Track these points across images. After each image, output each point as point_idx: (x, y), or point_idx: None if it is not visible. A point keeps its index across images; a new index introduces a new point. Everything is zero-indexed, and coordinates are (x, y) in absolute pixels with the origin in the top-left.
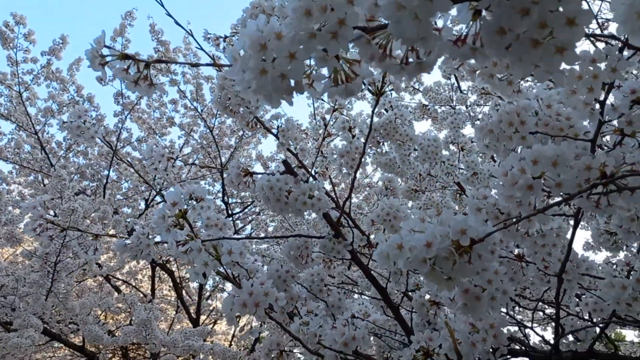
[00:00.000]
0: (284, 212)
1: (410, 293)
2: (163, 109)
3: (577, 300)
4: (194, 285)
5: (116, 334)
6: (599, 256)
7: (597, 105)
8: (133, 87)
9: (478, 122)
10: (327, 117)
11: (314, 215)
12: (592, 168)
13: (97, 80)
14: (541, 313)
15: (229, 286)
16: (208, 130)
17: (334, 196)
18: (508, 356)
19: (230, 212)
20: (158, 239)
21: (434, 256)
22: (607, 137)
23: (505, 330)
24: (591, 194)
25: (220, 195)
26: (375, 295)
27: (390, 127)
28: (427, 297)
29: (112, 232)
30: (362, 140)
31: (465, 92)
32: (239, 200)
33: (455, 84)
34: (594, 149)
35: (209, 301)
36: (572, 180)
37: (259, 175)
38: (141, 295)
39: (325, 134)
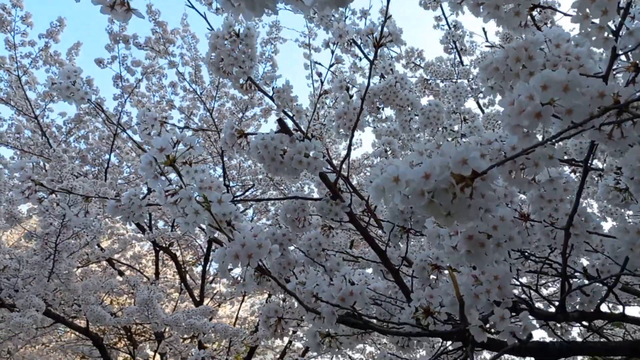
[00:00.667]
0: (279, 172)
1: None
2: (162, 92)
3: (584, 266)
4: (197, 269)
5: (119, 316)
6: (606, 225)
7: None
8: (109, 11)
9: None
10: (323, 73)
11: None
12: (605, 95)
13: (96, 63)
14: (546, 275)
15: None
16: (208, 113)
17: (330, 160)
18: (513, 313)
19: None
20: (150, 200)
21: (432, 188)
22: (620, 75)
23: (509, 284)
24: (603, 123)
25: (221, 179)
26: (374, 258)
27: (390, 91)
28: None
29: (105, 193)
30: (360, 100)
31: (467, 65)
32: (240, 184)
33: (457, 59)
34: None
35: (213, 284)
36: (584, 107)
37: (254, 137)
38: (145, 279)
39: (322, 91)
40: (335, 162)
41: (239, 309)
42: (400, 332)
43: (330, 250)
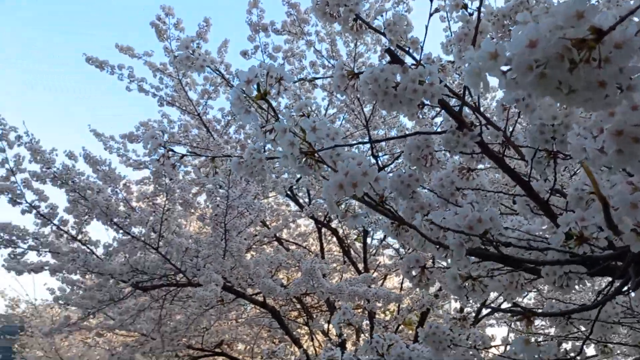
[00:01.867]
0: (394, 106)
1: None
2: (304, 73)
3: None
4: (360, 245)
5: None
6: None
7: None
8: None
9: None
10: None
11: None
12: None
13: (241, 56)
14: None
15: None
16: None
17: (451, 89)
18: None
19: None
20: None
21: (541, 58)
22: None
23: None
24: None
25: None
26: (519, 192)
27: (523, 8)
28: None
29: (271, 192)
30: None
31: None
32: (389, 153)
33: None
34: None
35: (376, 257)
36: None
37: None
38: (311, 254)
39: (432, 10)
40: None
41: (403, 279)
42: (547, 260)
43: (470, 189)
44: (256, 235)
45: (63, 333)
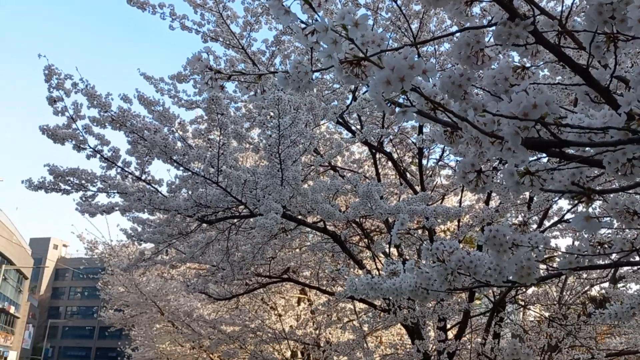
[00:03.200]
0: (440, 1)
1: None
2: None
3: None
4: (414, 167)
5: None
6: None
7: None
8: None
9: None
10: None
11: None
12: None
13: None
14: None
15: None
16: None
17: None
18: None
19: None
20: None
21: None
22: None
23: None
24: None
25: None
26: (579, 81)
27: None
28: None
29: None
30: None
31: None
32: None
33: None
34: None
35: (433, 178)
36: None
37: None
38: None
39: None
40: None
41: (461, 197)
42: (608, 141)
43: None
44: (311, 165)
45: (140, 268)
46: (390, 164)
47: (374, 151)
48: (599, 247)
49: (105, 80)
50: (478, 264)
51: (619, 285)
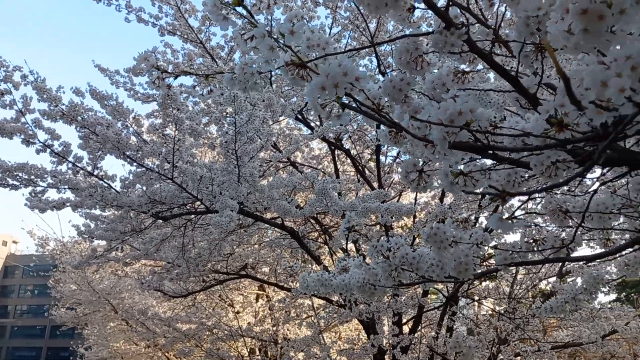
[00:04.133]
0: (381, 10)
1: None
2: None
3: None
4: (371, 164)
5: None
6: None
7: None
8: None
9: None
10: None
11: None
12: None
13: None
14: None
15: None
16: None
17: None
18: None
19: None
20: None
21: None
22: None
23: None
24: None
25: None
26: (509, 88)
27: None
28: None
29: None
30: None
31: None
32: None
33: None
34: None
35: (390, 174)
36: None
37: None
38: (325, 176)
39: None
40: None
41: (416, 194)
42: (528, 147)
43: (463, 88)
44: (270, 161)
45: (92, 265)
46: (349, 160)
47: (332, 147)
48: (533, 243)
49: (59, 75)
50: (420, 260)
51: (566, 280)
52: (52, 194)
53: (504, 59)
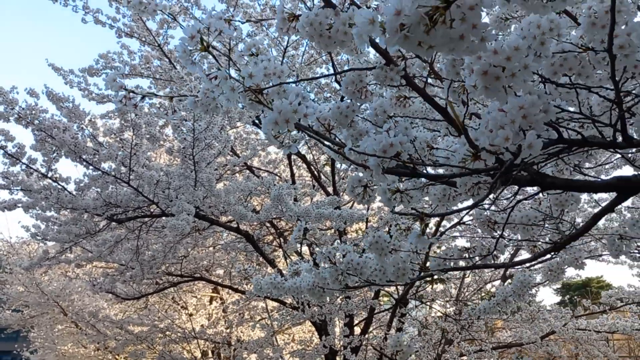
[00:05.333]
0: (330, 47)
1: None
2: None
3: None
4: (327, 169)
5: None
6: None
7: None
8: None
9: None
10: None
11: None
12: None
13: None
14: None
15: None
16: None
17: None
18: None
19: None
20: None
21: (405, 23)
22: None
23: (540, 112)
24: None
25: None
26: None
27: None
28: None
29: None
30: None
31: None
32: None
33: None
34: None
35: (345, 180)
36: None
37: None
38: (282, 181)
39: None
40: None
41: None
42: (446, 174)
43: (400, 116)
44: (226, 165)
45: (43, 267)
46: (305, 165)
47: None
48: (465, 251)
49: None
50: (364, 265)
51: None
52: (4, 195)
53: (438, 90)
